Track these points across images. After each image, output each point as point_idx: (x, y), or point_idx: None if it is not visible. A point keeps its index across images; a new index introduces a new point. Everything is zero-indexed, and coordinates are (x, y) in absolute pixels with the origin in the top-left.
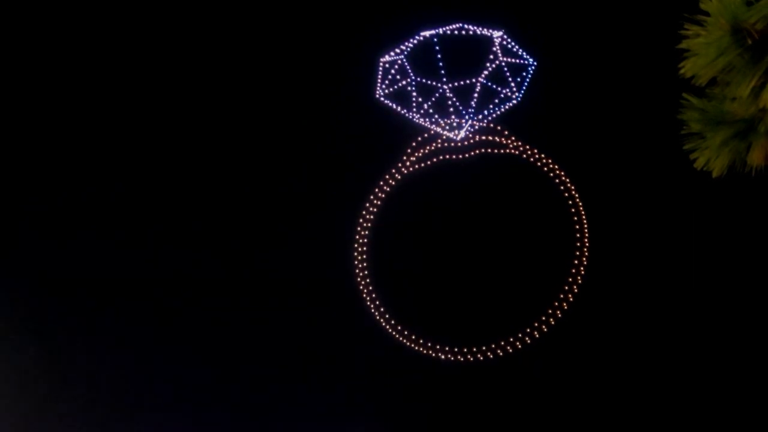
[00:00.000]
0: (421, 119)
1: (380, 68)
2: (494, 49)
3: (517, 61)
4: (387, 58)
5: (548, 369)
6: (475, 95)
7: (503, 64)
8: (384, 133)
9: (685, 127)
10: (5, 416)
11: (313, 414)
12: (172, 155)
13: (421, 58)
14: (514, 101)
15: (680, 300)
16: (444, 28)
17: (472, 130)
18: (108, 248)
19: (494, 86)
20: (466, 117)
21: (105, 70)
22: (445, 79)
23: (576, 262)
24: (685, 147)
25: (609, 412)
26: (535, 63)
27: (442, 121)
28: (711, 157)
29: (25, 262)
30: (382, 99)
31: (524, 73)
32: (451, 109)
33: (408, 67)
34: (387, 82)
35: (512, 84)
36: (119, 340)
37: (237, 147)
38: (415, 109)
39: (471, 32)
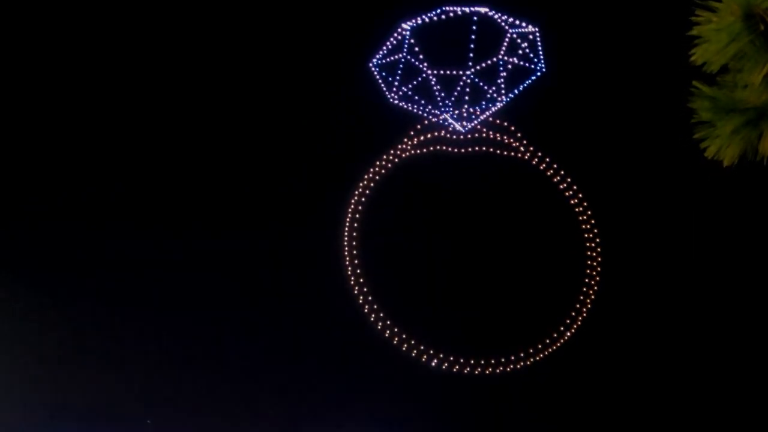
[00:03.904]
0: (421, 108)
1: (396, 35)
2: (505, 43)
3: (527, 64)
4: (408, 24)
5: (559, 383)
6: (463, 88)
7: (504, 62)
8: (383, 121)
9: (695, 116)
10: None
11: (312, 415)
12: (169, 152)
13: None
14: (502, 103)
15: (695, 296)
16: (468, 9)
17: (478, 122)
18: (105, 247)
19: (482, 83)
20: (471, 110)
21: (105, 70)
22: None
23: (589, 265)
24: (696, 136)
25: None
26: (544, 69)
27: (446, 113)
28: (722, 145)
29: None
30: (374, 69)
31: (526, 78)
32: (469, 99)
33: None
34: (389, 51)
35: (503, 85)
36: (117, 338)
37: (228, 140)
38: (413, 96)
39: (496, 18)
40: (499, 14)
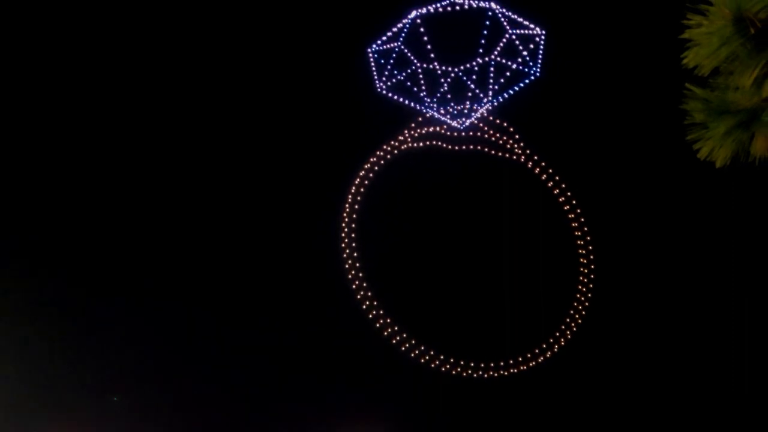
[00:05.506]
0: (424, 105)
1: (402, 22)
2: (501, 43)
3: (521, 67)
4: (416, 12)
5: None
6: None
7: (497, 62)
8: (381, 113)
9: (688, 117)
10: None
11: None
12: (160, 149)
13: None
14: (493, 103)
15: (691, 297)
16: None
17: (474, 120)
18: (102, 246)
19: (471, 82)
20: (474, 105)
21: (105, 70)
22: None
23: (582, 272)
24: (689, 137)
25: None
26: (538, 74)
27: (446, 108)
28: (714, 147)
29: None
30: (372, 57)
31: (519, 81)
32: (462, 96)
33: (409, 48)
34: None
35: (494, 85)
36: (116, 339)
37: (216, 139)
38: (416, 92)
39: (500, 16)
40: (506, 12)
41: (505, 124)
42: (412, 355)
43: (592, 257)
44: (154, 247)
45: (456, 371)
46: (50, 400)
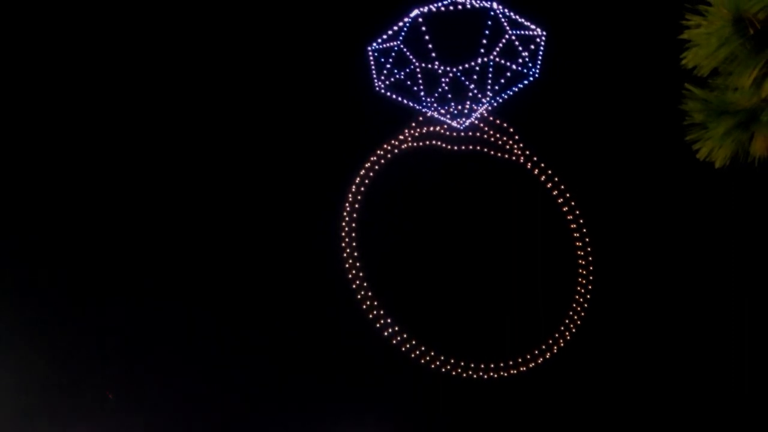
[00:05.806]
0: (424, 105)
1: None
2: (501, 44)
3: (519, 68)
4: (417, 11)
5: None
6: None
7: (495, 63)
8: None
9: (687, 118)
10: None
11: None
12: (165, 152)
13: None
14: (491, 103)
15: (690, 298)
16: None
17: (474, 120)
18: (102, 246)
19: (471, 83)
20: (474, 105)
21: (104, 70)
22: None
23: (581, 273)
24: (688, 138)
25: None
26: (537, 75)
27: (445, 107)
28: (714, 147)
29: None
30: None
31: (517, 82)
32: (461, 96)
33: (409, 50)
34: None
35: (491, 86)
36: (116, 339)
37: (215, 138)
38: (415, 91)
39: (500, 16)
40: (507, 12)
41: (504, 125)
42: (413, 355)
43: (591, 258)
44: (154, 248)
45: (456, 372)
46: (50, 400)
